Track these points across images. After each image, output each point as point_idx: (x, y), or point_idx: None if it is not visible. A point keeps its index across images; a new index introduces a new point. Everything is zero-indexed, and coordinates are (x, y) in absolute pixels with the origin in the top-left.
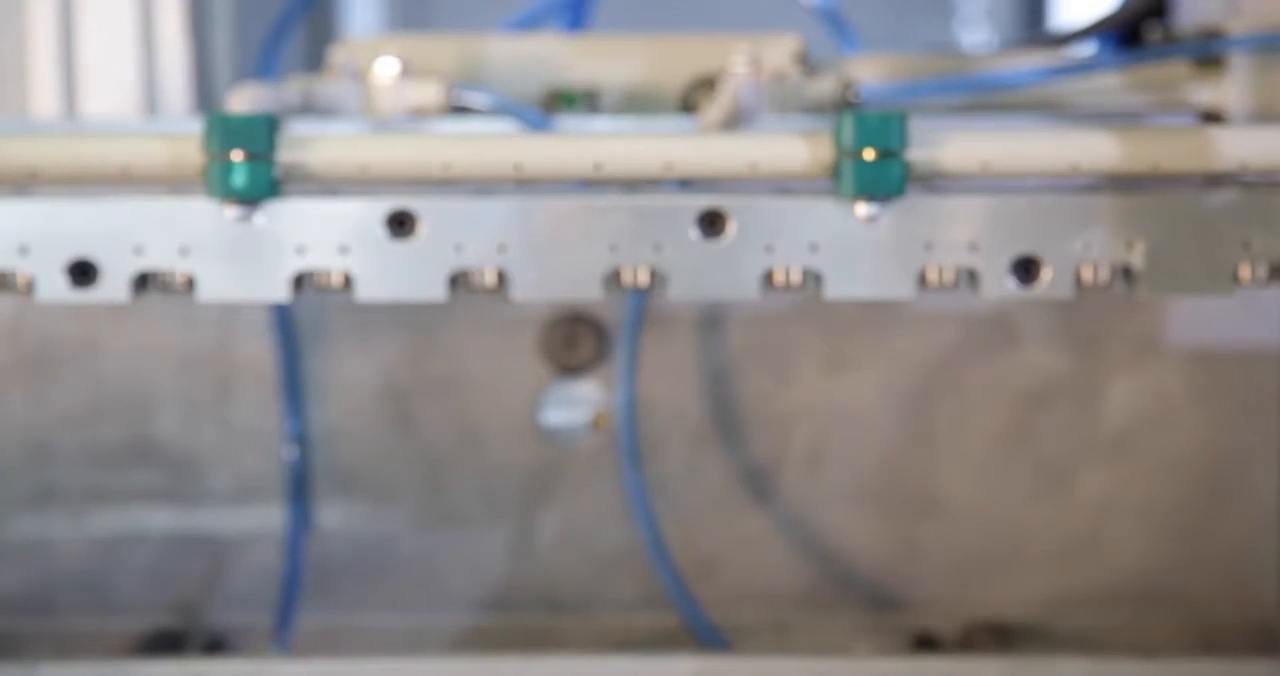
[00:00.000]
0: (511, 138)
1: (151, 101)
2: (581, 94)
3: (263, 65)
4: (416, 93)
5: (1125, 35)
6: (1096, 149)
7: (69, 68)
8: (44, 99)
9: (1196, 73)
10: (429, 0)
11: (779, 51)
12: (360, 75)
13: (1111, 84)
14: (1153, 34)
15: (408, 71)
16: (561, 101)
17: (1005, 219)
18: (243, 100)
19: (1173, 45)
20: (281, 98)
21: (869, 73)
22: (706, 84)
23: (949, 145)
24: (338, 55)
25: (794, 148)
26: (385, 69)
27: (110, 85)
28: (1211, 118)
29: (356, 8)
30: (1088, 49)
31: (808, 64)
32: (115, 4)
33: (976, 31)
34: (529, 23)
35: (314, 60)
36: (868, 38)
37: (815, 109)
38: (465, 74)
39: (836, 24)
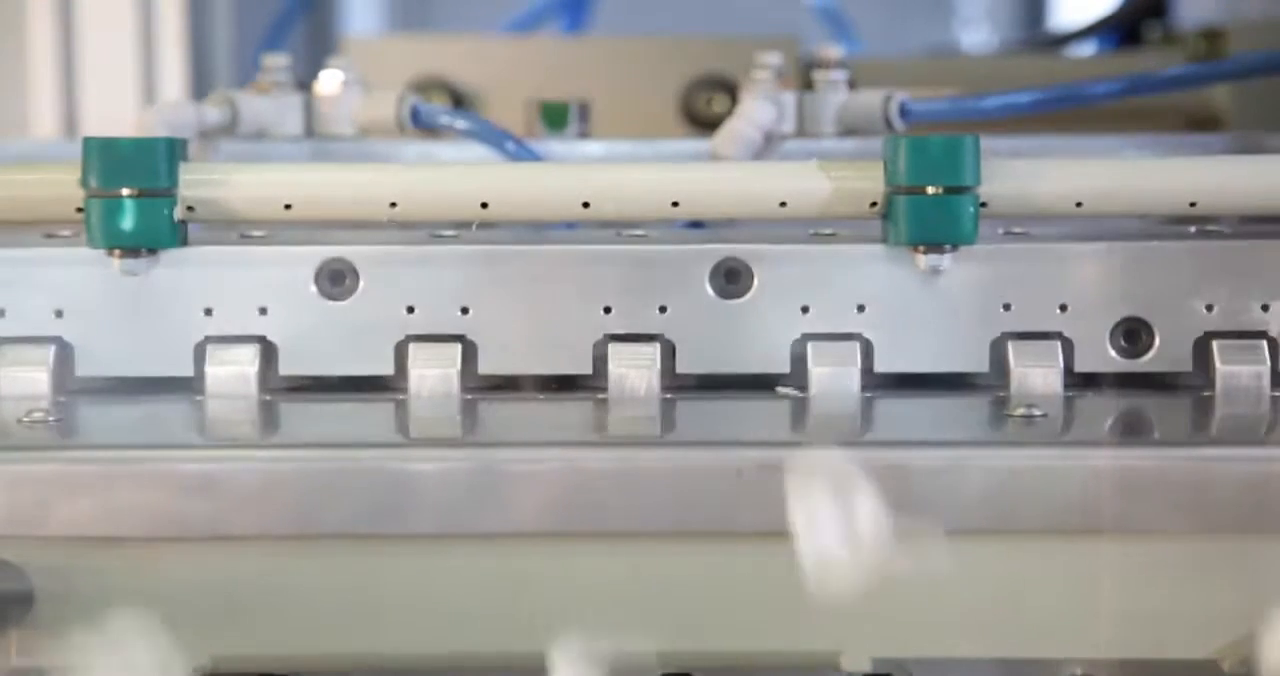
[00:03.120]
0: (478, 168)
1: (151, 102)
2: (571, 107)
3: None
4: (366, 110)
5: (1125, 35)
6: (1222, 181)
7: (68, 68)
8: (43, 99)
9: None
10: (429, 0)
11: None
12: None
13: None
14: (1152, 34)
15: (352, 81)
16: (549, 119)
17: (1105, 272)
18: (153, 120)
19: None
20: (203, 116)
21: (869, 73)
22: (706, 84)
23: (1035, 178)
24: (269, 61)
25: (833, 181)
26: (329, 81)
27: (110, 86)
28: (1208, 122)
29: (356, 8)
30: (1088, 48)
31: (844, 66)
32: (115, 5)
33: (976, 31)
34: (528, 23)
35: (314, 61)
36: (866, 37)
37: (849, 129)
38: (460, 76)
39: (838, 24)
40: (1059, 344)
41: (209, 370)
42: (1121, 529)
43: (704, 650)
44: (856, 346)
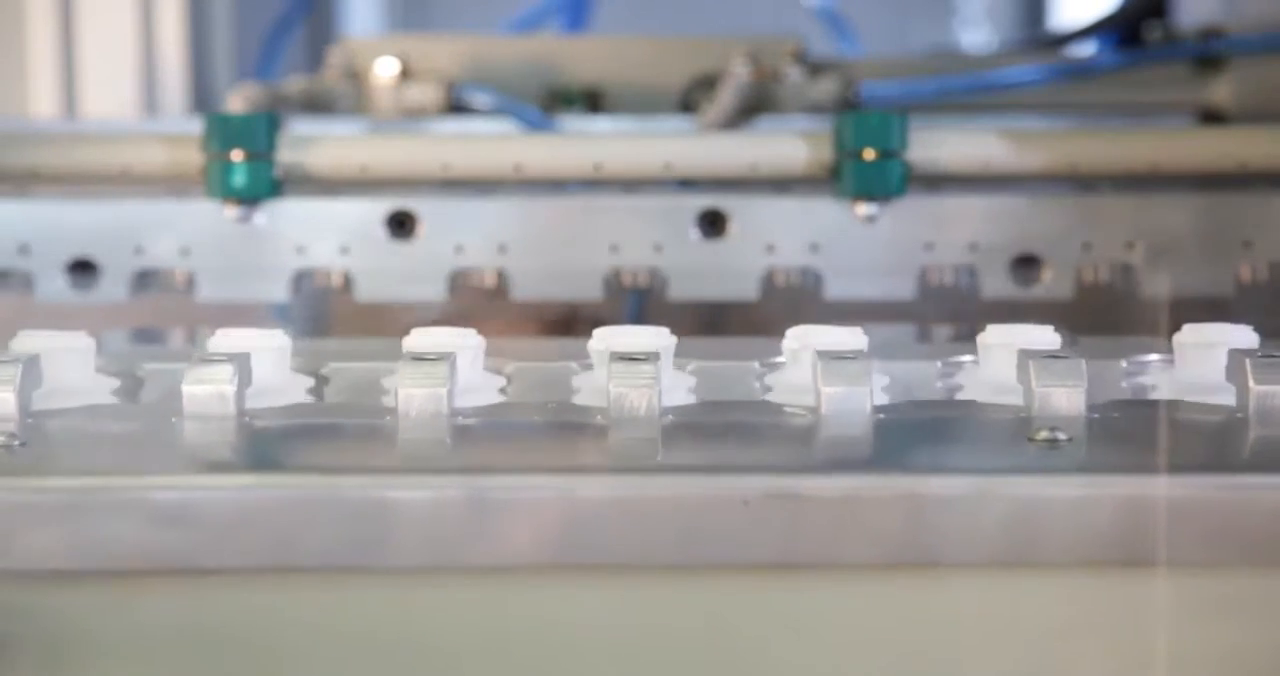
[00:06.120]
0: (511, 138)
1: (150, 101)
2: (581, 95)
3: (263, 65)
4: (417, 93)
5: (1125, 35)
6: (1096, 150)
7: (69, 67)
8: (43, 98)
9: (1197, 73)
10: (429, 0)
11: (778, 52)
12: (360, 75)
13: (1113, 84)
14: (1152, 34)
15: (407, 72)
16: (561, 102)
17: (1005, 219)
18: (241, 100)
19: (1172, 46)
20: (280, 97)
21: (869, 73)
22: (706, 84)
23: (949, 145)
24: (335, 55)
25: (794, 148)
26: (385, 69)
27: (110, 84)
28: (1212, 117)
29: (356, 8)
30: (1088, 48)
31: (808, 63)
32: (115, 4)
33: (976, 31)
34: (529, 23)
35: (314, 60)
36: (868, 38)
37: (816, 109)
38: (465, 74)
39: (836, 24)
40: (1083, 363)
41: (185, 389)
42: (1154, 562)
43: None
44: (868, 365)
